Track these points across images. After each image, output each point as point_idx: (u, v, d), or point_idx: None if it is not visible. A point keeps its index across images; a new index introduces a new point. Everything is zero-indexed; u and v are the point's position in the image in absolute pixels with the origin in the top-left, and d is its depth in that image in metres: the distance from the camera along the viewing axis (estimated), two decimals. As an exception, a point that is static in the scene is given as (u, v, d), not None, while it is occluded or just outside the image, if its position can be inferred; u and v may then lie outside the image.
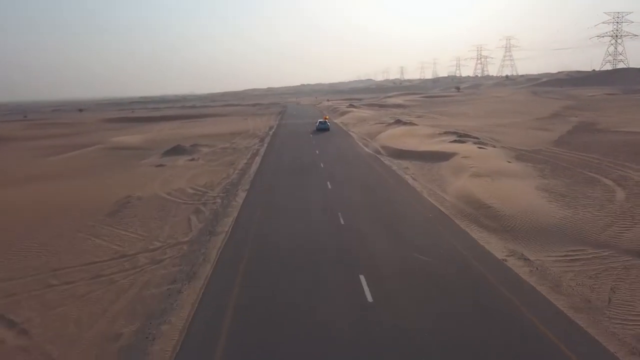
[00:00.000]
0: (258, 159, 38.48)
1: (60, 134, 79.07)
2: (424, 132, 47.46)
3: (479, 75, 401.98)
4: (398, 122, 59.71)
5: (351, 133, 55.94)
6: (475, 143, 38.11)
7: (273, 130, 64.96)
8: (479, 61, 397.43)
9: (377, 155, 37.44)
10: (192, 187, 28.50)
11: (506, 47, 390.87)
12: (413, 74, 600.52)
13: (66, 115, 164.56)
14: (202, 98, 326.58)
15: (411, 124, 56.75)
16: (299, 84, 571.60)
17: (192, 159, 40.12)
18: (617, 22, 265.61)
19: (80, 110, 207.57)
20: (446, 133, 44.68)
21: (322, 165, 33.30)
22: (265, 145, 47.99)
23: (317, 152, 40.45)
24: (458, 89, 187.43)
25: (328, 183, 27.09)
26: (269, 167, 34.58)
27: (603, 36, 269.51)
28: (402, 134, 46.61)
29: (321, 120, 65.02)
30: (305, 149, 43.27)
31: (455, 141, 39.15)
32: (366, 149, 41.52)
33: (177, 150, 44.47)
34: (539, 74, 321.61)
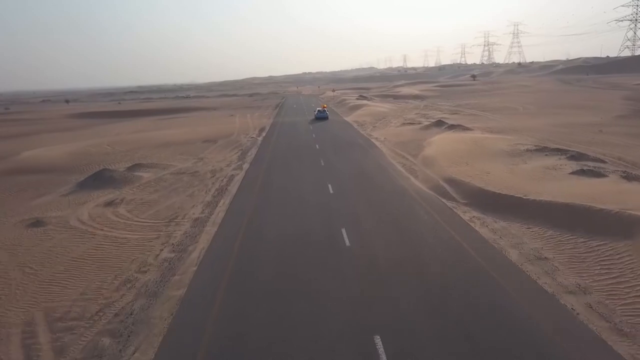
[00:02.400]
0: (220, 210, 20.37)
1: None
2: (496, 144, 29.35)
3: (485, 62, 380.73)
4: (439, 123, 41.52)
5: (375, 141, 37.70)
6: (624, 177, 20.08)
7: (264, 134, 46.76)
8: (485, 48, 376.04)
9: (447, 203, 19.26)
10: (29, 327, 10.86)
11: (514, 33, 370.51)
12: (416, 61, 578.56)
13: (47, 107, 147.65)
14: (200, 88, 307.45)
15: (461, 127, 38.57)
16: (300, 72, 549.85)
17: (111, 203, 22.21)
18: (637, 6, 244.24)
19: (67, 101, 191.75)
20: (540, 149, 26.63)
21: (347, 242, 15.17)
22: (246, 167, 29.83)
23: (330, 189, 22.31)
24: (474, 77, 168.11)
25: (379, 346, 9.22)
26: (236, 236, 16.58)
27: (622, 20, 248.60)
28: (464, 149, 28.48)
29: (319, 109, 61.49)
30: (309, 178, 25.15)
31: (581, 172, 21.11)
32: (415, 182, 23.29)
33: (99, 180, 26.50)
34: (550, 61, 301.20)
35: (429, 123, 43.54)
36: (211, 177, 27.11)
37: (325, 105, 70.12)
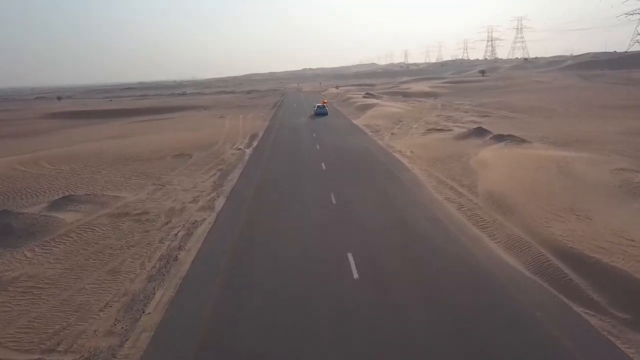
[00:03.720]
0: (148, 323, 10.54)
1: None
2: (588, 170, 19.59)
3: (488, 58, 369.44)
4: (480, 132, 31.74)
5: (400, 157, 27.85)
6: None
7: (255, 143, 36.96)
8: (489, 43, 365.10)
9: (590, 319, 9.49)
10: None
11: (517, 28, 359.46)
12: (417, 57, 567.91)
13: (36, 105, 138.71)
14: (199, 84, 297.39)
15: (514, 139, 28.77)
16: (300, 69, 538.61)
17: (-30, 289, 12.52)
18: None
19: (59, 98, 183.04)
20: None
21: None
22: (220, 204, 19.95)
23: (353, 270, 12.33)
24: (483, 73, 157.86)
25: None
26: None
27: (632, 14, 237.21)
28: (548, 179, 18.66)
29: (319, 104, 60.62)
30: (313, 237, 15.24)
31: None
32: (499, 251, 13.28)
33: (-12, 230, 16.85)
34: (556, 56, 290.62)
35: (464, 130, 33.79)
36: (164, 224, 17.38)
37: (325, 101, 68.38)
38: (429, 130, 37.63)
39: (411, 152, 29.01)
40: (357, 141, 34.60)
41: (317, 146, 32.76)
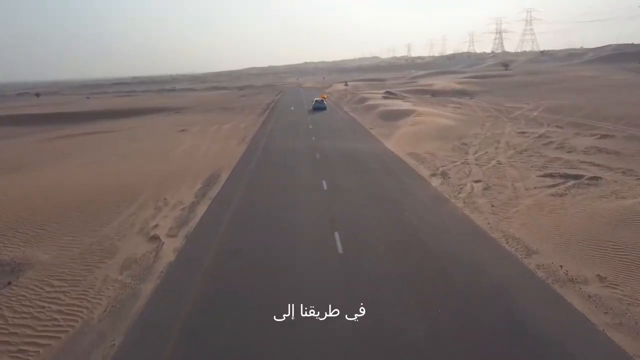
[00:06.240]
0: None
1: None
2: None
3: (496, 51, 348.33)
4: None
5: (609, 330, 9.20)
6: None
7: (206, 206, 17.86)
8: (497, 36, 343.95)
9: None
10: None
11: (527, 20, 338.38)
12: (420, 51, 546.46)
13: (12, 102, 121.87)
14: (196, 79, 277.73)
15: None
16: (301, 62, 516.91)
17: None
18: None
19: (38, 95, 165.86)
20: None
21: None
22: None
23: None
24: (506, 67, 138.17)
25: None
26: None
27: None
28: None
29: (317, 99, 55.63)
30: None
31: None
32: None
33: None
34: (571, 49, 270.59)
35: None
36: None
37: (325, 96, 63.50)
38: (549, 176, 18.76)
39: (601, 279, 10.15)
40: (420, 216, 15.47)
41: (337, 238, 13.63)
